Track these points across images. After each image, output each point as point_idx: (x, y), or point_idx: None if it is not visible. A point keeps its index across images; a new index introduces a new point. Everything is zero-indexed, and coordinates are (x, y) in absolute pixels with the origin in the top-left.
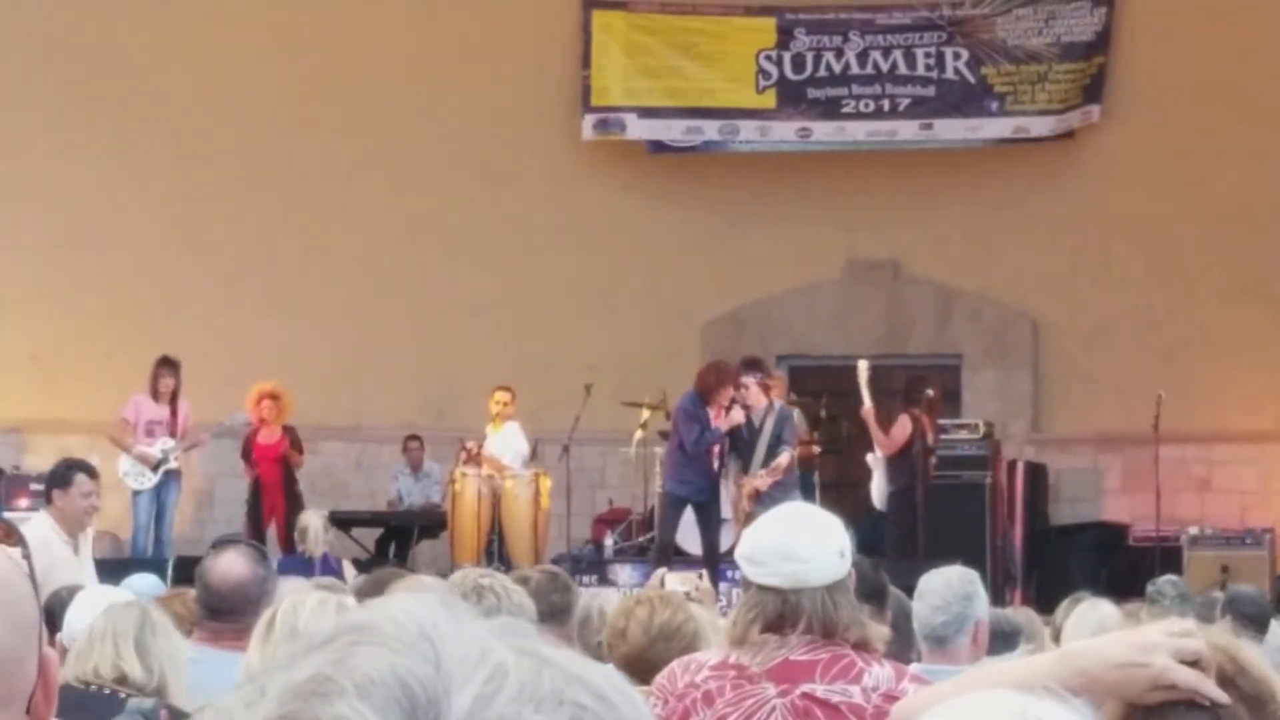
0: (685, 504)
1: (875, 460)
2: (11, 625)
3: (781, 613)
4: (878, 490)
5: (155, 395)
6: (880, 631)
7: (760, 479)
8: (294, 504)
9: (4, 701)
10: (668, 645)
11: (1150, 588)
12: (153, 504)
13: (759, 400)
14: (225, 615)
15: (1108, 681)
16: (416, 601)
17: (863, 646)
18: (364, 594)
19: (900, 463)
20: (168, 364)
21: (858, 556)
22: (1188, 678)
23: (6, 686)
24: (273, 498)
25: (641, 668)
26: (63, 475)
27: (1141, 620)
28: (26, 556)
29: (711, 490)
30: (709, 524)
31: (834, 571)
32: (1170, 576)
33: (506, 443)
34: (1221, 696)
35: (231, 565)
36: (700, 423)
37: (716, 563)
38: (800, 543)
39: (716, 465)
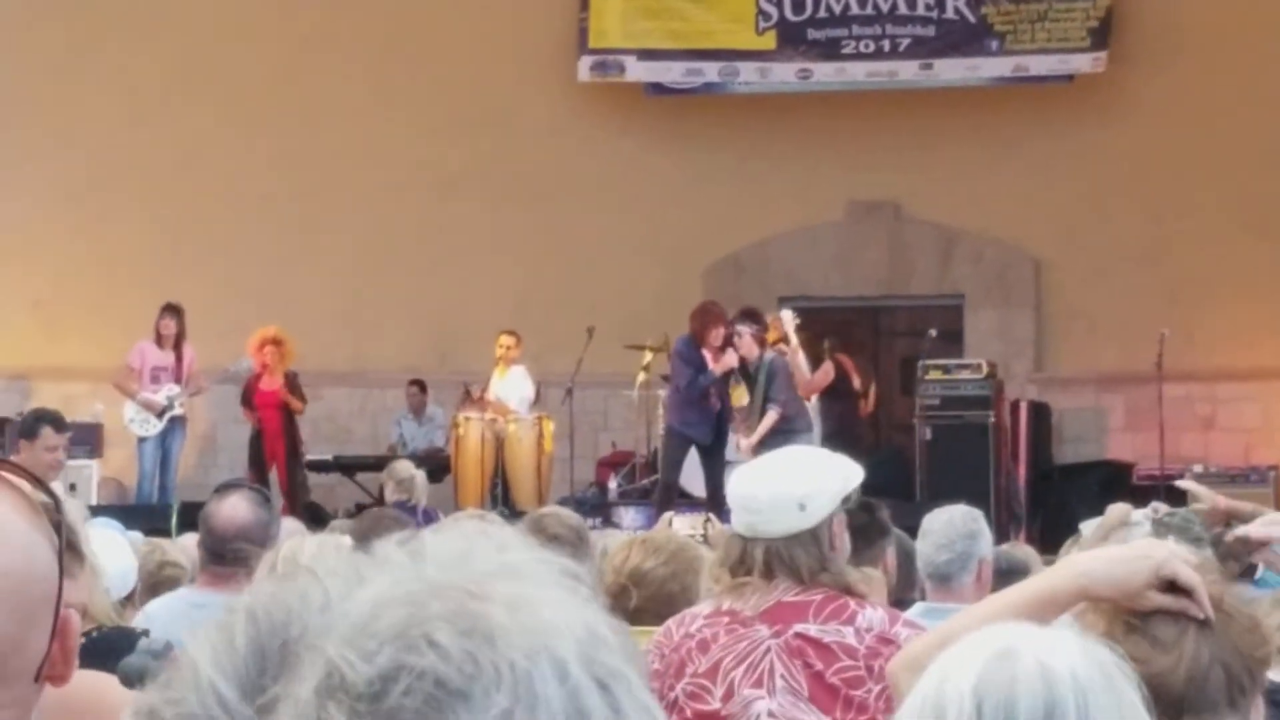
0: (690, 444)
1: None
2: (11, 613)
3: (740, 558)
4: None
5: (159, 341)
6: (863, 575)
7: (748, 445)
8: (294, 451)
9: (7, 680)
10: (639, 592)
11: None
12: (158, 450)
13: (751, 351)
14: (229, 559)
15: (1108, 579)
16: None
17: (848, 591)
18: (358, 536)
19: (827, 406)
20: (171, 310)
21: (861, 497)
22: (1190, 575)
23: (4, 669)
24: (274, 444)
25: (618, 609)
26: (30, 427)
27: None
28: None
29: (715, 431)
30: (713, 466)
31: (790, 523)
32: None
33: (513, 387)
34: (1210, 611)
35: (236, 509)
36: (694, 365)
37: (721, 504)
38: (759, 494)
39: (719, 407)
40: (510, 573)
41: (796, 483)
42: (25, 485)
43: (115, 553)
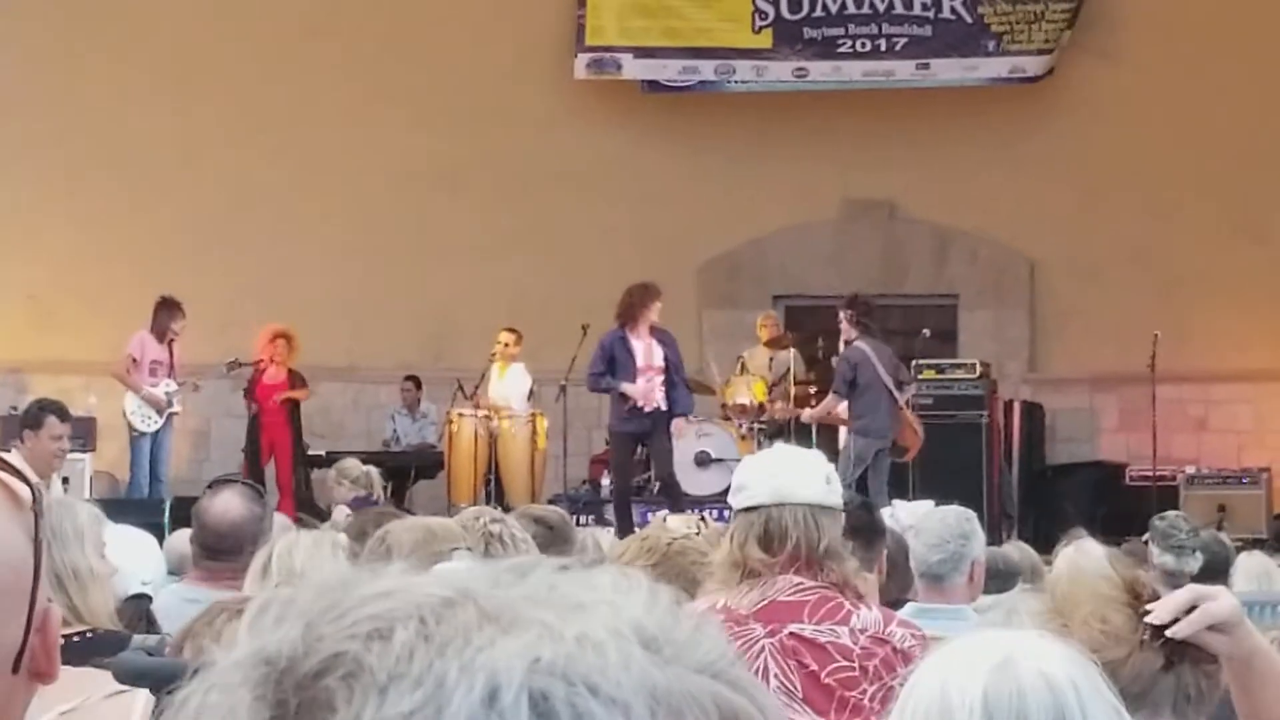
0: (633, 441)
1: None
2: None
3: (767, 529)
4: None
5: (160, 336)
6: (856, 568)
7: (811, 415)
8: (299, 447)
9: None
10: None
11: (1160, 524)
12: (150, 445)
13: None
14: (222, 555)
15: None
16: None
17: (844, 586)
18: (355, 534)
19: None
20: (177, 306)
21: (850, 494)
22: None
23: None
24: (274, 434)
25: None
26: (34, 416)
27: (1151, 557)
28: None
29: (651, 421)
30: (657, 456)
31: (819, 493)
32: (1179, 513)
33: (514, 384)
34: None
35: (229, 505)
36: (602, 361)
37: (676, 496)
38: (784, 463)
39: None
40: (561, 602)
41: (819, 461)
42: (6, 476)
43: (142, 550)
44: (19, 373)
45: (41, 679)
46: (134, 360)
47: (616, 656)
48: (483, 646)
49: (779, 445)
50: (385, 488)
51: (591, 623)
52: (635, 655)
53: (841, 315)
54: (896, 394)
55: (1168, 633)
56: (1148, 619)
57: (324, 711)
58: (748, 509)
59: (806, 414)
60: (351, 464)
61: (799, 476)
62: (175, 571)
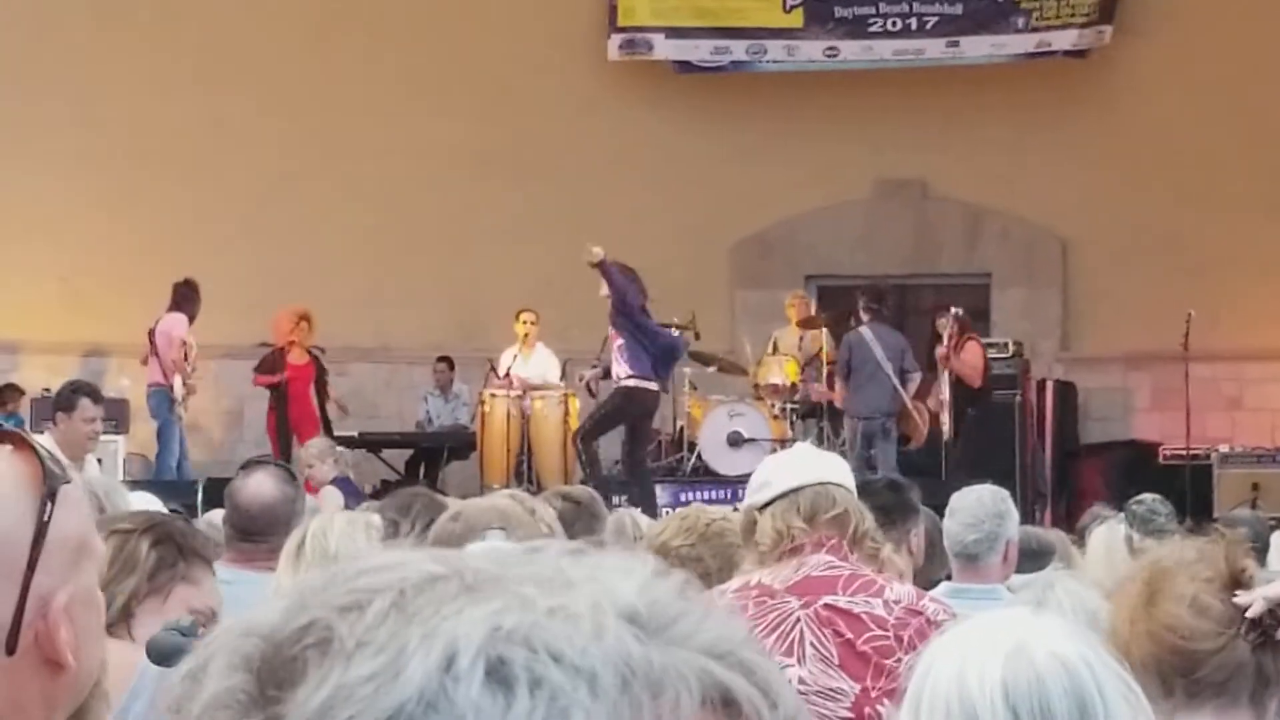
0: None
1: (945, 401)
2: None
3: (815, 503)
4: (949, 425)
5: (192, 320)
6: (890, 548)
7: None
8: (327, 427)
9: None
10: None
11: (1138, 508)
12: (180, 428)
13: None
14: (255, 535)
15: None
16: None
17: (879, 565)
18: (389, 514)
19: (985, 388)
20: (196, 288)
21: (888, 475)
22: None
23: None
24: (301, 409)
25: None
26: (67, 399)
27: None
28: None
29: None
30: (633, 439)
31: (852, 485)
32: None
33: (540, 366)
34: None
35: (261, 486)
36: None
37: (640, 479)
38: (814, 457)
39: (629, 370)
40: (552, 578)
41: (843, 462)
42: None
43: None
44: (51, 354)
45: (50, 668)
46: (182, 343)
47: (589, 627)
48: (448, 615)
49: (800, 447)
50: (418, 469)
51: (573, 597)
52: (611, 627)
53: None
54: (896, 381)
55: (1249, 614)
56: (1249, 612)
57: (298, 676)
58: (784, 494)
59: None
60: (323, 443)
61: (833, 468)
62: None
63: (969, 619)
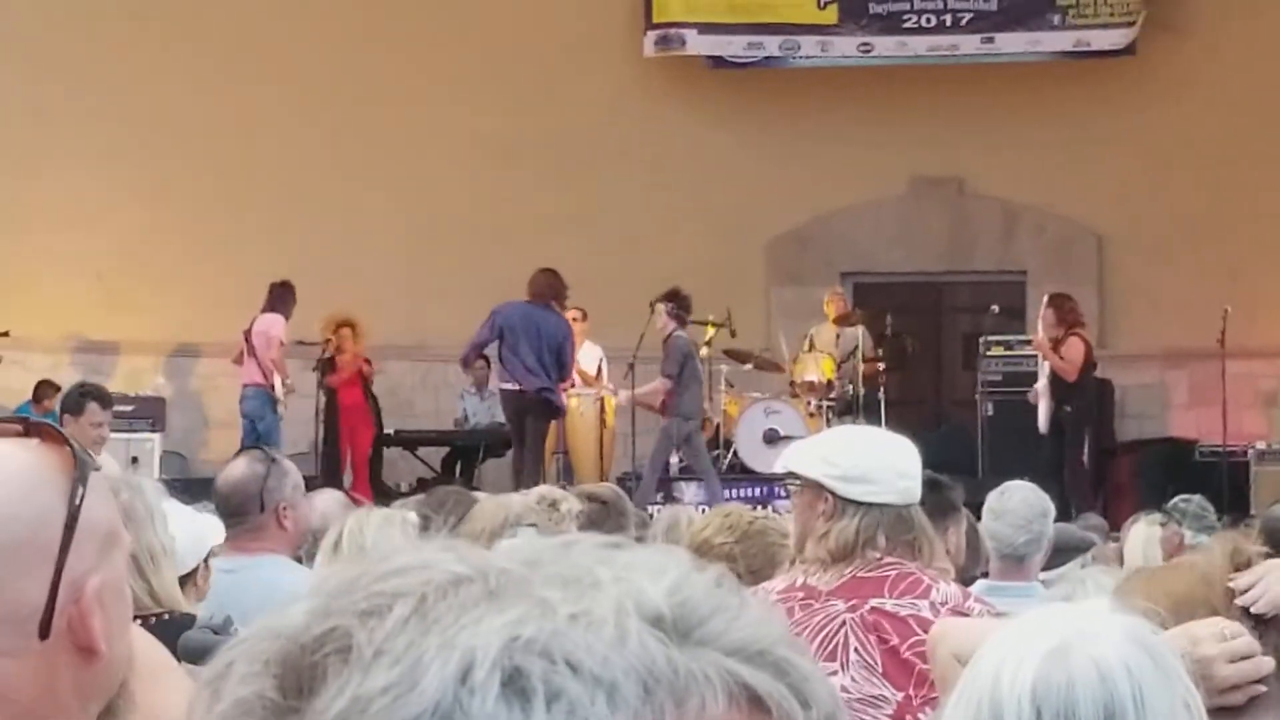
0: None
1: (1042, 389)
2: None
3: (896, 527)
4: (1044, 415)
5: (287, 319)
6: (941, 552)
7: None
8: (380, 430)
9: None
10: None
11: (1187, 505)
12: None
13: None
14: (231, 515)
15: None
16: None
17: (926, 563)
18: (426, 512)
19: (1080, 382)
20: (293, 290)
21: (929, 474)
22: (1228, 675)
23: None
24: (353, 421)
25: None
26: (75, 402)
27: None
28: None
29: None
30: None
31: (919, 493)
32: (1195, 497)
33: (584, 363)
34: (1265, 669)
35: (234, 466)
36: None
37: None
38: (908, 460)
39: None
40: (578, 579)
41: (916, 454)
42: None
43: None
44: (88, 352)
45: (83, 654)
46: (282, 344)
47: (612, 634)
48: (467, 624)
49: (870, 429)
50: (454, 467)
51: (597, 600)
52: (635, 632)
53: (661, 308)
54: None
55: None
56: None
57: (319, 684)
58: (873, 504)
59: (625, 395)
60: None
61: (919, 477)
62: None
63: (1029, 613)
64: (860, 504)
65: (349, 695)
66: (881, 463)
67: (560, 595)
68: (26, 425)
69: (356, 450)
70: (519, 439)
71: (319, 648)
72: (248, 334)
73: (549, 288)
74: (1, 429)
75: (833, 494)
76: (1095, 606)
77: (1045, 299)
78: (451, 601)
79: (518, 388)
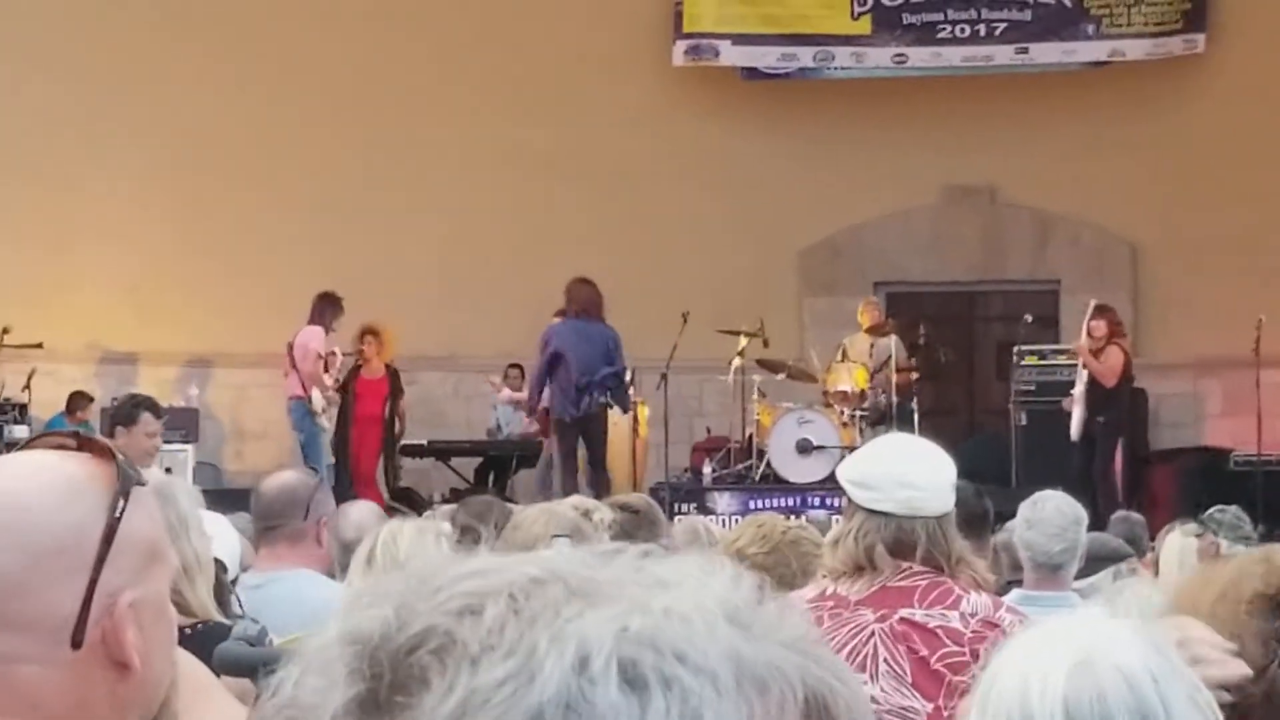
0: (572, 428)
1: (1078, 396)
2: (14, 546)
3: (898, 538)
4: (1077, 424)
5: (328, 331)
6: (982, 566)
7: None
8: (391, 444)
9: (13, 625)
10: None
11: (1223, 515)
12: (326, 440)
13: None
14: (273, 520)
15: None
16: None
17: (976, 584)
18: (468, 521)
19: (1116, 393)
20: (339, 302)
21: (962, 483)
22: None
23: (8, 608)
24: (368, 432)
25: None
26: (128, 413)
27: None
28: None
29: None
30: (589, 442)
31: (946, 503)
32: (1231, 507)
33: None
34: (1239, 673)
35: (283, 476)
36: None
37: (599, 483)
38: (917, 471)
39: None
40: (647, 581)
41: (945, 465)
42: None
43: (220, 536)
44: (120, 364)
45: (117, 669)
46: (319, 356)
47: (702, 627)
48: (571, 618)
49: (902, 437)
50: (487, 477)
51: (677, 597)
52: (720, 627)
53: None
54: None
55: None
56: None
57: (418, 684)
58: (875, 511)
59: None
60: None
61: (932, 488)
62: None
63: (1038, 624)
64: (862, 509)
65: (462, 689)
66: (884, 470)
67: (645, 593)
68: (79, 439)
69: (361, 463)
70: (566, 462)
71: (415, 647)
72: (290, 347)
73: (592, 303)
74: (55, 442)
75: (848, 497)
76: (1099, 613)
77: (1092, 307)
78: (543, 600)
79: (569, 418)
